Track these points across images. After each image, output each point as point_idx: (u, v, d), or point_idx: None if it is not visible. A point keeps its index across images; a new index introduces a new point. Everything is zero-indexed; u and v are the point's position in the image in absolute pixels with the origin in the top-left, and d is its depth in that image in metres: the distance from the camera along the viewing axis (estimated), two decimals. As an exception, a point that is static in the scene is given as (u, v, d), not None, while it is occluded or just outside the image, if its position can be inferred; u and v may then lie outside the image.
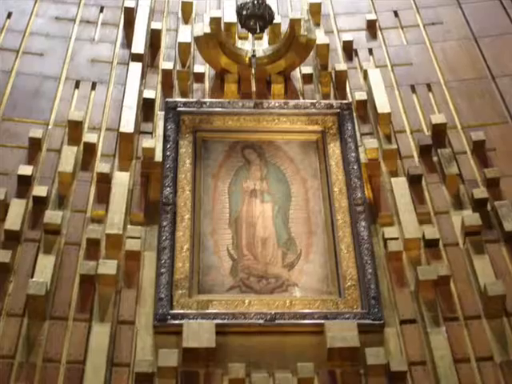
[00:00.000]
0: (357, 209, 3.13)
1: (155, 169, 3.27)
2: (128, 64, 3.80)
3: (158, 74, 3.82)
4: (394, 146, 3.45)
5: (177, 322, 2.76)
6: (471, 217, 3.09)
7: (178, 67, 3.85)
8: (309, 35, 3.72)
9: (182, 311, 2.81)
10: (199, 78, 3.80)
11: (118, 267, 2.88)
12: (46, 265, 2.87)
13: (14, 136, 3.36)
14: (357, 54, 4.01)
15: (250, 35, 3.82)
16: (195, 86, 3.78)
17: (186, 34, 3.98)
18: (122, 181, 3.21)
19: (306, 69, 3.85)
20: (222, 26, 3.86)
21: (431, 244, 3.04)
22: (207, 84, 3.80)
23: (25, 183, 3.15)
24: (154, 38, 4.00)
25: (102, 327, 2.73)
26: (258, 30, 3.66)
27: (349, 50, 4.02)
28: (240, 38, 4.07)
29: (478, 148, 3.40)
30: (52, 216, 3.01)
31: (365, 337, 2.73)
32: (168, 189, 3.17)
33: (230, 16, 3.97)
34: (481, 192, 3.19)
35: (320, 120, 3.50)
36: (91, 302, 2.80)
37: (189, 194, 3.18)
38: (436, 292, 2.88)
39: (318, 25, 4.16)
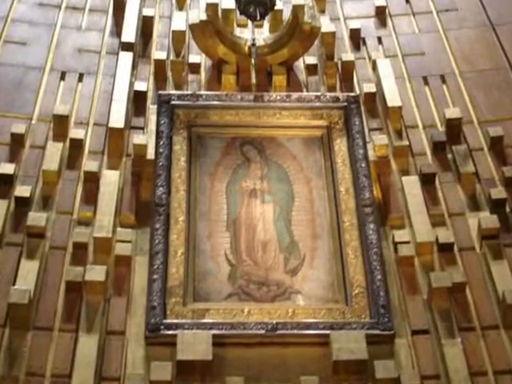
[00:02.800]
0: (365, 210, 3.13)
1: (147, 167, 3.27)
2: (118, 54, 3.80)
3: (150, 64, 3.82)
4: (406, 143, 3.45)
5: (170, 332, 2.76)
6: (488, 219, 3.09)
7: (172, 57, 3.86)
8: (313, 23, 3.72)
9: (176, 321, 2.80)
10: (195, 68, 3.80)
11: (107, 273, 2.88)
12: (29, 271, 2.87)
13: (-5, 132, 3.37)
14: (365, 43, 4.02)
15: (249, 23, 3.82)
16: (190, 77, 3.78)
17: (180, 22, 3.98)
18: (111, 180, 3.21)
19: (310, 59, 3.86)
20: (220, 12, 3.86)
21: (445, 248, 3.04)
22: (203, 75, 3.81)
23: (6, 183, 3.15)
24: (145, 25, 4.01)
25: (89, 338, 2.72)
26: (259, 17, 3.66)
27: (356, 39, 4.02)
28: (239, 25, 4.08)
29: (496, 144, 3.40)
30: (36, 218, 3.01)
31: (373, 348, 2.73)
32: (161, 189, 3.17)
33: (228, 2, 3.97)
34: (499, 192, 3.19)
35: (325, 114, 3.50)
36: (78, 311, 2.80)
37: (183, 194, 3.18)
38: (450, 300, 2.88)
39: (322, 11, 4.18)
